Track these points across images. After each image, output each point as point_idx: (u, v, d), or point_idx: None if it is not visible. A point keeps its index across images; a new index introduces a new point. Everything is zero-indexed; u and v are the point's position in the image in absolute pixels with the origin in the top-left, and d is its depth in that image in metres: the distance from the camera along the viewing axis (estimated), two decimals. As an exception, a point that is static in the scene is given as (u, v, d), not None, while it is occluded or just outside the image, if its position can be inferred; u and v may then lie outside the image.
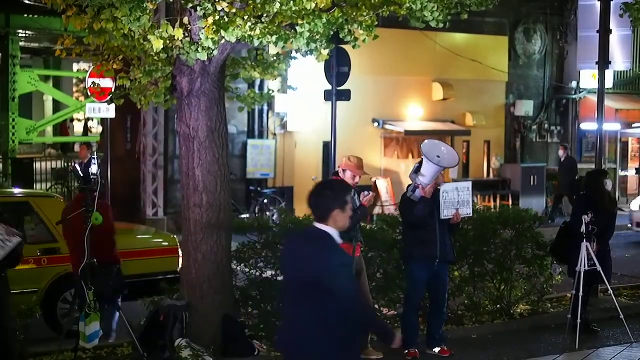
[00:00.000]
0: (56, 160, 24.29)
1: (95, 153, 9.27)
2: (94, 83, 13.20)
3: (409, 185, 8.86)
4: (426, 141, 8.99)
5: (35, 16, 20.06)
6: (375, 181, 19.75)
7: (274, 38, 7.58)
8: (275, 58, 9.53)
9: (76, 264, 8.37)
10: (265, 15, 7.59)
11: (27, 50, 26.60)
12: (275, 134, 19.74)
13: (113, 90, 12.35)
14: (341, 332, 4.92)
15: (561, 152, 21.05)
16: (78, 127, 35.36)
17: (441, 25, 8.22)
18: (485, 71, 21.92)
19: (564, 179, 20.55)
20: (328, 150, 14.89)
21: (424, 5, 7.95)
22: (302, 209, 17.65)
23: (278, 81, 10.65)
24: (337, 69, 12.59)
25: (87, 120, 32.56)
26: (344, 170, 8.48)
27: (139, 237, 11.11)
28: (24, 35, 22.70)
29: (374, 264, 9.67)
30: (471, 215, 9.16)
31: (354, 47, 8.49)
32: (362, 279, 8.50)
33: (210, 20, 7.48)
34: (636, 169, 25.02)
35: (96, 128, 31.63)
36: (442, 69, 21.46)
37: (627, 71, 22.21)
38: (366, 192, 8.41)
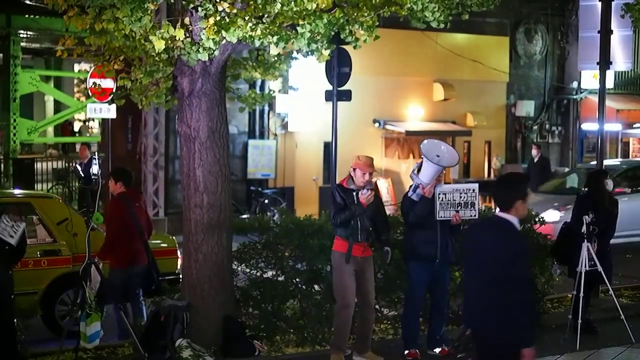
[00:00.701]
0: (57, 161, 24.30)
1: (96, 153, 9.31)
2: (95, 83, 13.22)
3: (411, 185, 8.86)
4: (425, 141, 8.98)
5: (36, 16, 20.05)
6: (376, 181, 19.76)
7: (275, 38, 7.58)
8: (276, 58, 9.53)
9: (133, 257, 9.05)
10: (266, 16, 7.59)
11: (28, 50, 26.60)
12: (276, 134, 19.76)
13: (114, 90, 12.36)
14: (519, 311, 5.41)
15: (534, 152, 20.28)
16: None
17: (442, 26, 8.22)
18: (486, 71, 21.93)
19: (536, 179, 19.89)
20: (329, 150, 14.89)
21: (425, 6, 7.95)
22: (302, 209, 17.67)
23: (279, 81, 10.65)
24: (338, 69, 12.58)
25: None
26: (354, 169, 8.48)
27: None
28: (25, 35, 22.69)
29: (374, 264, 9.65)
30: (477, 217, 9.09)
31: (354, 47, 8.48)
32: (365, 280, 8.49)
33: (211, 20, 7.49)
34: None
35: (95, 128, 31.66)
36: (443, 69, 21.46)
37: (628, 71, 22.19)
38: (365, 190, 8.33)
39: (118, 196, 9.21)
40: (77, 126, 34.86)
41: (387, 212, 9.37)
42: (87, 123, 34.69)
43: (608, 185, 10.04)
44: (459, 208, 8.72)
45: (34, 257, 9.37)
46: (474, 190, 8.85)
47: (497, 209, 5.63)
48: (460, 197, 8.75)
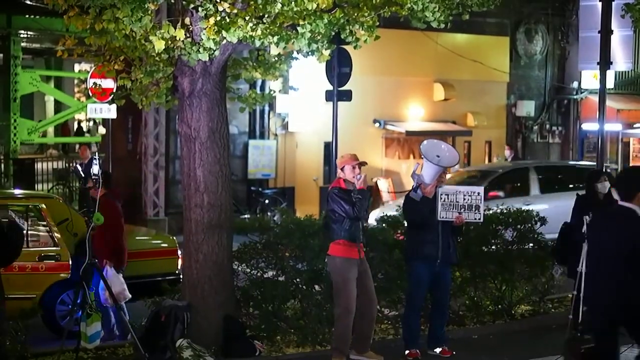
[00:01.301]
0: (57, 161, 24.30)
1: (97, 153, 9.28)
2: (95, 83, 13.22)
3: (413, 185, 8.86)
4: (425, 141, 8.98)
5: (37, 17, 20.07)
6: (376, 181, 19.77)
7: (275, 38, 7.59)
8: (276, 58, 9.52)
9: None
10: (266, 16, 7.60)
11: (28, 50, 26.62)
12: (276, 135, 19.76)
13: (114, 90, 12.37)
14: None
15: (507, 153, 20.19)
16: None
17: (442, 26, 8.22)
18: (487, 71, 21.93)
19: None
20: (329, 150, 14.91)
21: (425, 6, 7.96)
22: (303, 209, 17.68)
23: (279, 81, 10.61)
24: (339, 69, 12.61)
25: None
26: (342, 169, 8.47)
27: (138, 238, 11.04)
28: (25, 35, 22.71)
29: (375, 265, 9.66)
30: (481, 221, 9.05)
31: (355, 47, 8.47)
32: (366, 279, 8.48)
33: (212, 20, 7.49)
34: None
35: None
36: (443, 69, 21.47)
37: (628, 71, 22.19)
38: (358, 176, 8.28)
39: (104, 196, 9.10)
40: (84, 126, 34.85)
41: (388, 212, 9.38)
42: (93, 123, 34.74)
43: (605, 185, 10.02)
44: (462, 210, 8.70)
45: (33, 261, 9.36)
46: (479, 193, 8.81)
47: (620, 199, 6.32)
48: (464, 199, 8.71)
